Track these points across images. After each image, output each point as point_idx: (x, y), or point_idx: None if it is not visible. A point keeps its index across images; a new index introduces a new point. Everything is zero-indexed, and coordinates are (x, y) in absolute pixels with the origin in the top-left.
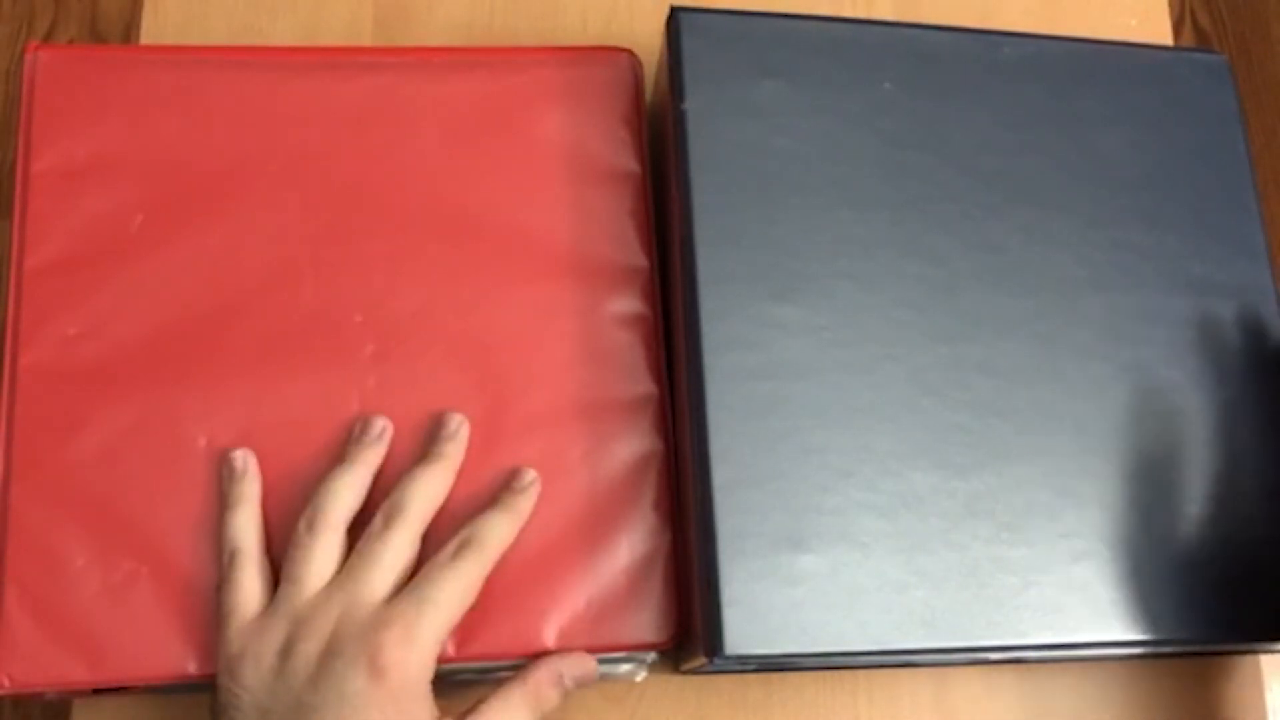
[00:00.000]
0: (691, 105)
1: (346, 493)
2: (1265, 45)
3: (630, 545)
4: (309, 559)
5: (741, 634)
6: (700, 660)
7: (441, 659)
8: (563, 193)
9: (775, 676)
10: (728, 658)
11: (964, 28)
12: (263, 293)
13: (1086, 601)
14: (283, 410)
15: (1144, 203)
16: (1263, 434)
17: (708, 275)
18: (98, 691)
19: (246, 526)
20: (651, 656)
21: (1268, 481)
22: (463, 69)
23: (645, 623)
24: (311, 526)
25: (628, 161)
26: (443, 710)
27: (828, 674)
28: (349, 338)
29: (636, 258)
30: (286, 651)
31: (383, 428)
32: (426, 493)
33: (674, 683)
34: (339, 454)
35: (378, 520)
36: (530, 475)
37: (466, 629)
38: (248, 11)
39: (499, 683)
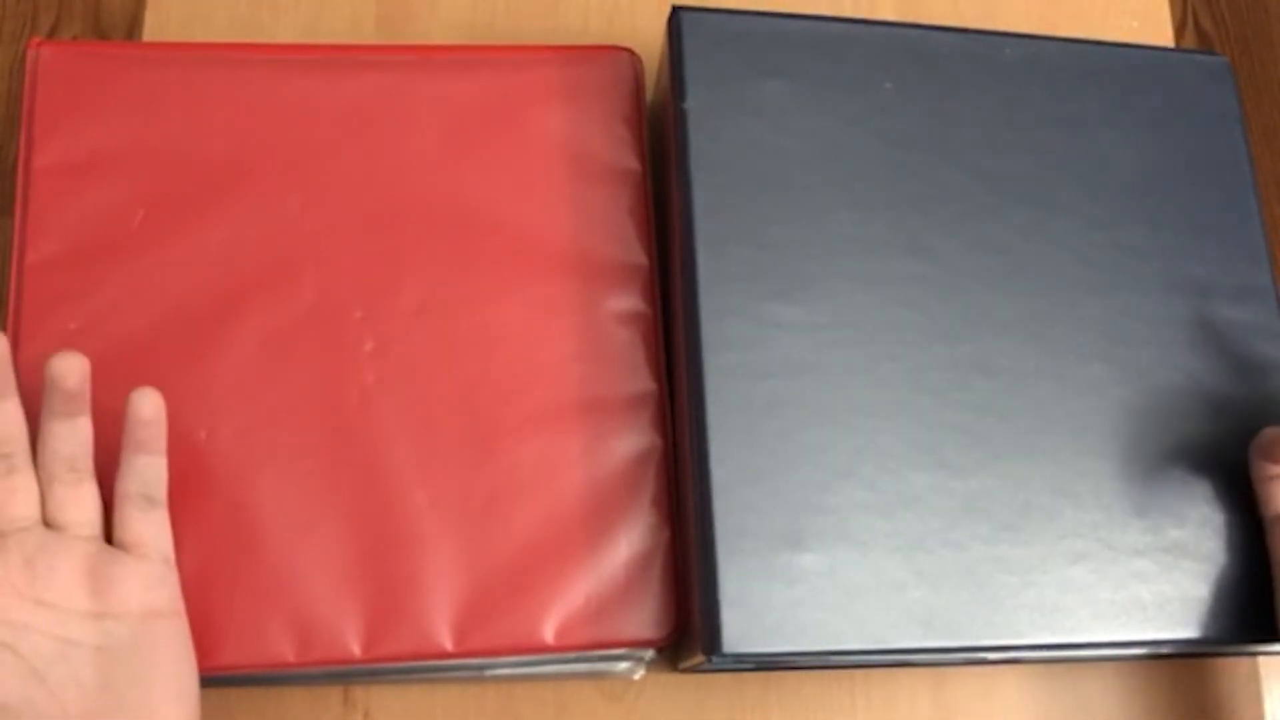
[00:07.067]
0: (692, 104)
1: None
2: (1268, 48)
3: (629, 542)
4: None
5: (739, 632)
6: (698, 658)
7: (439, 654)
8: (563, 190)
9: (773, 675)
10: (725, 656)
11: (965, 28)
12: (263, 288)
13: (1085, 602)
14: (282, 405)
15: (1144, 204)
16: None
17: (708, 274)
18: None
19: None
20: (650, 654)
21: None
22: (464, 67)
23: (643, 620)
24: None
25: (628, 160)
26: None
27: (826, 673)
28: (349, 334)
29: (636, 255)
30: None
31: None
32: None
33: (672, 680)
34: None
35: None
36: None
37: (465, 624)
38: (250, 8)
39: None
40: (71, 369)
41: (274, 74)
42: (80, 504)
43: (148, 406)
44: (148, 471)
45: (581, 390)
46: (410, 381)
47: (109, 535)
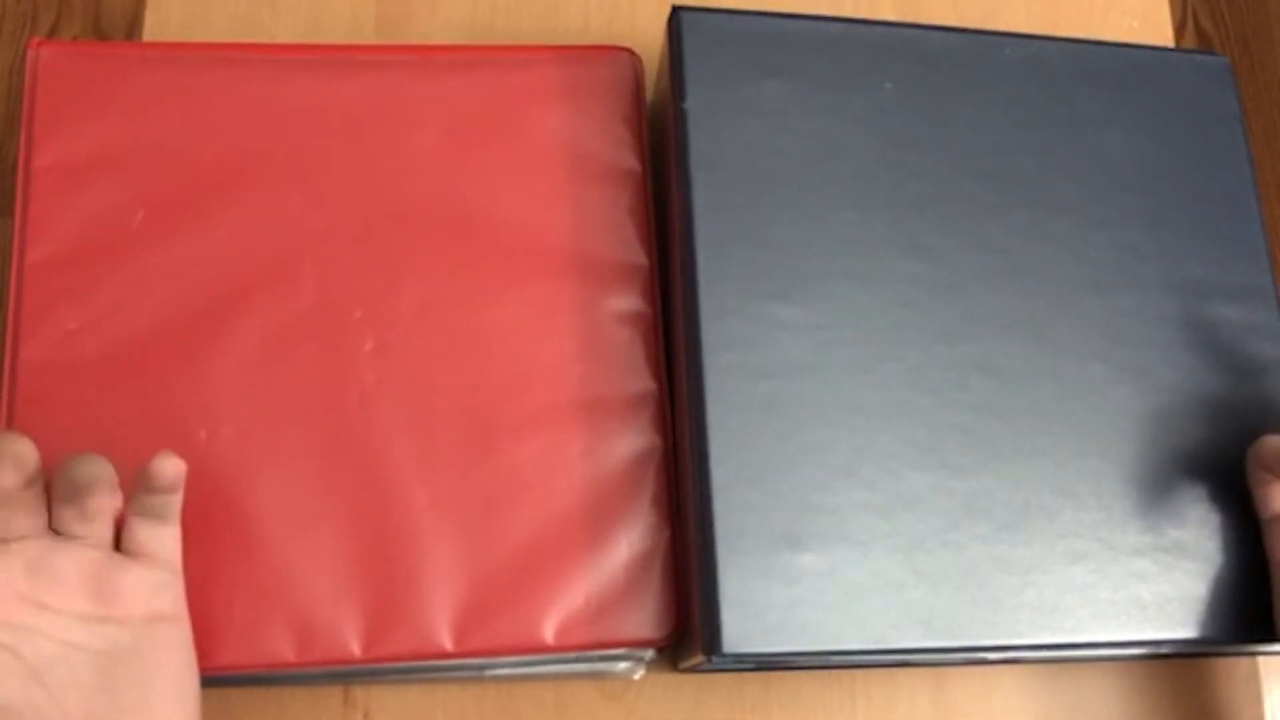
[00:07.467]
0: (692, 104)
1: None
2: (1268, 48)
3: (629, 542)
4: None
5: (739, 632)
6: (698, 658)
7: (439, 654)
8: (563, 190)
9: (773, 675)
10: (725, 656)
11: (965, 28)
12: (263, 288)
13: (1085, 602)
14: (282, 405)
15: (1144, 204)
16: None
17: (708, 274)
18: None
19: None
20: (649, 654)
21: None
22: (464, 67)
23: (643, 620)
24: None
25: (628, 160)
26: None
27: (825, 673)
28: (349, 334)
29: (636, 255)
30: None
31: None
32: None
33: (672, 681)
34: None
35: None
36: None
37: (465, 624)
38: (250, 8)
39: None
40: (100, 486)
41: (274, 74)
42: (90, 520)
43: (167, 476)
44: (160, 503)
45: (581, 390)
46: (410, 381)
47: (117, 544)
